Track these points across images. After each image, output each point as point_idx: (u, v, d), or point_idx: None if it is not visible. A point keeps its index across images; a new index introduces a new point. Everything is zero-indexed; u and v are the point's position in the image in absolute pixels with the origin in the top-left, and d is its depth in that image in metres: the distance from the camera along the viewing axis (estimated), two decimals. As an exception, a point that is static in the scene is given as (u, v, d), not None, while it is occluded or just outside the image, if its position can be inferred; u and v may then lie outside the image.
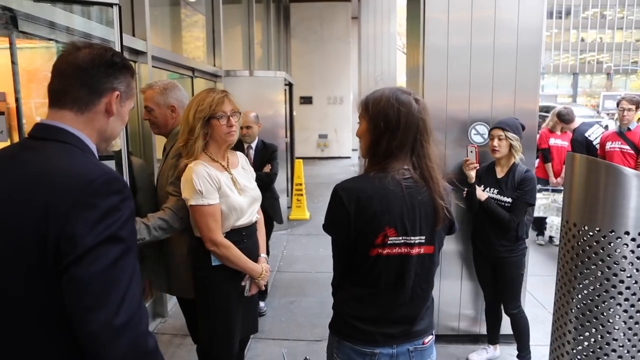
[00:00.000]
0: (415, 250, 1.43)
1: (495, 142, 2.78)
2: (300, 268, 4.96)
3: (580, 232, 1.55)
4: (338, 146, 14.73)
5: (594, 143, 5.10)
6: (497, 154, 2.80)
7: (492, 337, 3.19)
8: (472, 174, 2.84)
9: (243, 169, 2.14)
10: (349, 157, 14.43)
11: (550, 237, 5.91)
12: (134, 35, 3.27)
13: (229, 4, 6.99)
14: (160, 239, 2.15)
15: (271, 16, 10.05)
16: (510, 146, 2.78)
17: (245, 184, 2.06)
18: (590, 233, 1.52)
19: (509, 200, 2.77)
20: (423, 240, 1.44)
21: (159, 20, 4.88)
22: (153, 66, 3.48)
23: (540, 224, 5.80)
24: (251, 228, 2.08)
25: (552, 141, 5.57)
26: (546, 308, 3.98)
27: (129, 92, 1.19)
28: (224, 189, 1.95)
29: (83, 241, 0.94)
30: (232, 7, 7.53)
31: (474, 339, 3.37)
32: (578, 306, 1.58)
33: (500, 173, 2.85)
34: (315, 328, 3.59)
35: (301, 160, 7.27)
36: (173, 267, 2.27)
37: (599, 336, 1.53)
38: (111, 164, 2.49)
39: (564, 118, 5.44)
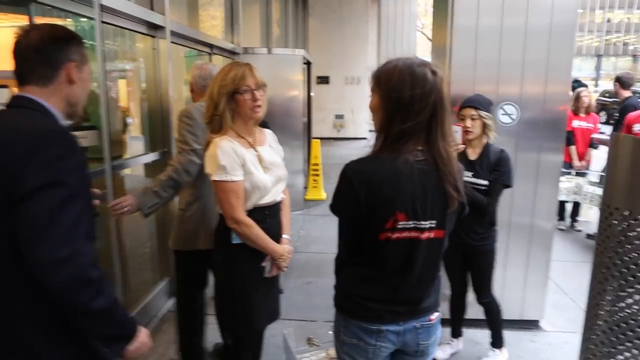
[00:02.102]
0: (425, 235, 1.37)
1: (468, 123, 2.54)
2: (317, 249, 4.94)
3: (623, 217, 1.47)
4: (354, 127, 14.56)
5: None
6: (470, 135, 2.56)
7: (457, 329, 3.04)
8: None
9: (270, 146, 2.08)
10: (365, 138, 14.26)
11: (572, 222, 5.78)
12: (152, 9, 3.20)
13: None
14: (175, 196, 2.34)
15: (289, -6, 9.86)
16: (484, 125, 2.55)
17: (271, 162, 2.00)
18: (634, 218, 1.43)
19: (485, 183, 2.56)
20: (434, 225, 1.38)
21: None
22: (172, 42, 3.42)
23: (562, 209, 5.67)
24: (275, 207, 2.03)
25: (576, 123, 5.39)
26: (567, 294, 3.90)
27: (84, 59, 1.33)
28: (248, 165, 1.90)
29: (30, 182, 1.11)
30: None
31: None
32: (615, 295, 1.51)
33: (472, 155, 2.61)
34: (332, 309, 3.55)
35: (319, 141, 7.19)
36: (171, 221, 2.34)
37: (637, 327, 1.46)
38: (93, 134, 2.59)
39: (626, 81, 5.26)
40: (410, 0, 9.81)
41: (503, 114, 2.98)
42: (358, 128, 14.56)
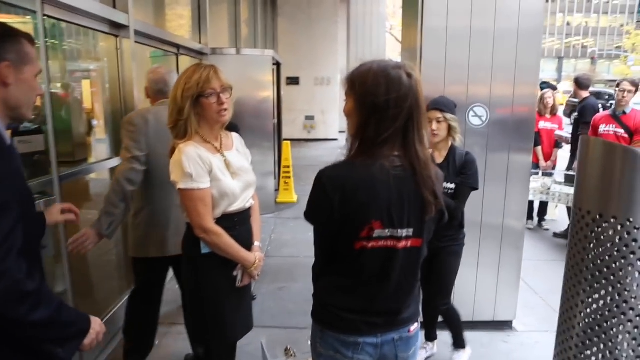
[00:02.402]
0: (402, 244, 1.34)
1: (434, 126, 2.49)
2: (288, 253, 4.87)
3: (595, 221, 1.47)
4: (325, 128, 14.57)
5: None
6: (436, 138, 2.51)
7: (431, 332, 3.02)
8: None
9: (238, 151, 2.00)
10: (336, 139, 14.30)
11: (539, 222, 5.92)
12: (114, 7, 3.07)
13: (214, -21, 6.72)
14: (129, 206, 2.36)
15: (258, -7, 9.74)
16: (449, 128, 2.52)
17: (239, 168, 1.93)
18: (606, 222, 1.44)
19: (452, 186, 2.51)
20: (411, 233, 1.34)
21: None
22: (136, 42, 3.29)
23: (529, 208, 5.80)
24: (244, 214, 1.96)
25: (542, 124, 5.53)
26: (537, 293, 3.97)
27: (25, 58, 1.21)
28: (216, 172, 1.83)
29: None
30: (217, -17, 7.26)
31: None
32: (589, 298, 1.51)
33: (438, 158, 2.55)
34: (306, 315, 3.42)
35: (289, 142, 7.12)
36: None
37: (612, 330, 1.47)
38: (39, 138, 2.44)
39: (583, 82, 5.39)
40: (379, 1, 9.84)
41: (473, 116, 3.00)
42: (329, 129, 14.57)
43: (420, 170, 1.31)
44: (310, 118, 14.58)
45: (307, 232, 5.81)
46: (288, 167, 6.95)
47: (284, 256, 4.77)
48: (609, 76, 54.04)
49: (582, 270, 1.53)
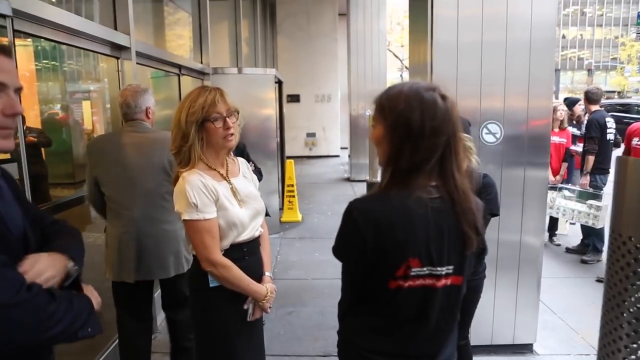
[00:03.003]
0: (441, 282, 1.22)
1: None
2: (296, 274, 4.73)
3: (638, 248, 1.36)
4: (326, 145, 14.51)
5: (608, 131, 4.99)
6: None
7: None
8: None
9: (245, 177, 1.90)
10: (337, 156, 14.23)
11: (550, 237, 5.78)
12: (116, 29, 3.00)
13: (215, 0, 6.71)
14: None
15: (257, 12, 9.76)
16: (464, 149, 2.37)
17: (246, 195, 1.82)
18: (651, 248, 1.33)
19: None
20: (451, 271, 1.22)
21: (143, 17, 4.60)
22: (137, 63, 3.22)
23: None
24: (253, 243, 1.84)
25: (551, 138, 5.41)
26: (555, 313, 3.82)
27: None
28: (222, 200, 1.72)
29: None
30: (217, 4, 7.26)
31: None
32: (630, 322, 1.39)
33: None
34: (317, 342, 3.36)
35: (292, 161, 7.03)
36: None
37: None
38: (13, 167, 2.24)
39: (592, 97, 5.30)
40: (379, 18, 9.84)
41: (487, 133, 2.90)
42: (330, 146, 14.51)
43: (459, 202, 1.20)
44: (311, 135, 14.53)
45: (313, 252, 5.70)
46: (292, 185, 6.84)
47: (291, 278, 4.63)
48: (606, 87, 54.48)
49: (625, 301, 1.41)
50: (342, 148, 14.28)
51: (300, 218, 6.88)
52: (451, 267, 1.22)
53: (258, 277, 1.84)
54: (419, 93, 1.18)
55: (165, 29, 5.31)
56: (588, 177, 4.97)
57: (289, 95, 13.74)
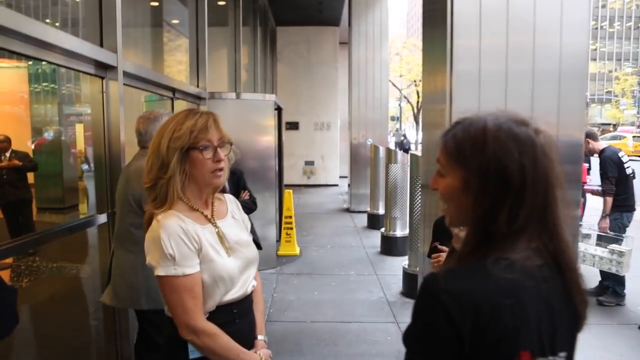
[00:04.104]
0: None
1: None
2: (293, 316, 4.34)
3: None
4: (325, 173, 14.24)
5: (625, 166, 4.69)
6: None
7: None
8: (463, 234, 2.01)
9: (233, 218, 1.57)
10: (336, 185, 13.95)
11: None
12: (101, 46, 2.71)
13: (214, 26, 6.54)
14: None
15: (258, 39, 9.64)
16: None
17: (236, 241, 1.49)
18: None
19: None
20: (564, 359, 0.90)
21: (139, 41, 4.38)
22: (125, 84, 2.93)
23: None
24: (245, 302, 1.50)
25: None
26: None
27: None
28: (207, 250, 1.39)
29: None
30: (216, 30, 7.09)
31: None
32: None
33: None
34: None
35: (291, 191, 6.71)
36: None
37: None
38: None
39: (594, 135, 5.05)
40: (381, 47, 9.72)
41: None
42: (329, 174, 14.25)
43: (568, 268, 0.90)
44: (310, 163, 14.28)
45: (312, 291, 5.31)
46: (290, 217, 6.49)
47: (288, 321, 4.23)
48: (602, 119, 55.04)
49: None
50: (340, 177, 14.02)
51: (298, 251, 6.51)
52: (564, 353, 0.90)
53: (250, 342, 1.50)
54: (511, 129, 0.88)
55: (162, 53, 5.09)
56: (608, 220, 4.64)
57: (287, 123, 13.56)
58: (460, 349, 0.83)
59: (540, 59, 2.58)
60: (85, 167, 3.44)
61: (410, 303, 4.61)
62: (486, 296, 0.84)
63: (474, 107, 2.57)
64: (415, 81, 34.27)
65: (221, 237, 1.45)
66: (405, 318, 4.26)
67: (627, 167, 4.72)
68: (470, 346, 0.83)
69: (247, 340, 1.48)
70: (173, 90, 4.14)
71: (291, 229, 6.53)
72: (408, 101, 37.73)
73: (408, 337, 0.91)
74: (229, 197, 1.62)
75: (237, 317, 1.46)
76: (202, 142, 1.39)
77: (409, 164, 5.72)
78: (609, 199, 4.64)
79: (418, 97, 35.29)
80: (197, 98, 4.90)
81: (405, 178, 6.54)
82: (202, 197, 1.47)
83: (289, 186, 7.60)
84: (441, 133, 0.96)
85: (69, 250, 3.04)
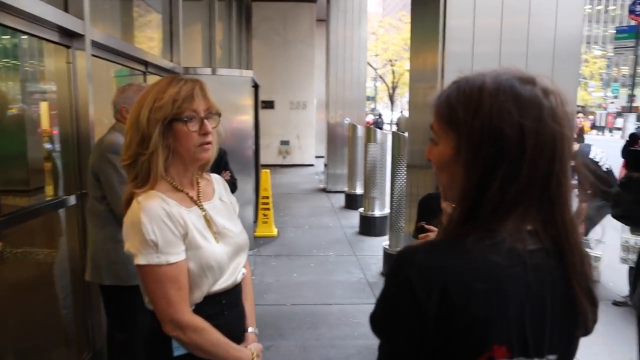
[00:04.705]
0: None
1: None
2: (272, 299, 4.25)
3: None
4: (301, 153, 14.09)
5: (603, 166, 4.44)
6: None
7: None
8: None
9: (221, 200, 1.43)
10: (312, 165, 13.84)
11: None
12: (66, 11, 2.49)
13: (188, 0, 6.23)
14: None
15: (233, 15, 9.29)
16: None
17: (225, 225, 1.36)
18: None
19: None
20: None
21: (108, 12, 4.09)
22: (93, 55, 2.71)
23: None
24: (235, 292, 1.39)
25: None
26: None
27: None
28: (193, 235, 1.26)
29: None
30: (191, 5, 6.77)
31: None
32: None
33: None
34: (301, 386, 2.90)
35: (268, 171, 6.56)
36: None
37: None
38: None
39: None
40: (360, 25, 9.53)
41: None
42: (304, 154, 14.10)
43: (571, 255, 0.77)
44: (285, 143, 14.08)
45: (291, 272, 5.23)
46: (267, 197, 6.36)
47: (267, 304, 4.14)
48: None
49: None
50: (316, 157, 13.90)
51: (276, 233, 6.40)
52: (554, 357, 0.78)
53: (239, 335, 1.39)
54: (513, 87, 0.75)
55: (133, 26, 4.80)
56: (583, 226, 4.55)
57: (263, 102, 13.23)
58: (423, 330, 0.73)
59: (535, 40, 2.50)
60: (49, 146, 3.23)
61: (390, 284, 4.60)
62: (458, 276, 0.73)
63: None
64: (391, 60, 34.15)
65: (208, 221, 1.32)
66: (386, 299, 4.24)
67: (602, 166, 4.49)
68: (435, 331, 0.73)
69: (237, 333, 1.37)
70: (146, 63, 3.91)
71: (268, 209, 6.41)
72: (383, 81, 37.64)
73: (373, 314, 0.81)
74: (216, 177, 1.49)
75: (225, 309, 1.34)
76: (186, 113, 1.24)
77: (388, 143, 5.64)
78: (584, 205, 4.51)
79: (394, 76, 35.23)
80: (171, 73, 4.67)
81: (385, 157, 6.48)
82: (187, 175, 1.33)
83: (264, 166, 7.43)
84: (434, 95, 0.83)
85: (36, 234, 2.85)
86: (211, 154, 1.31)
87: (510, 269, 0.73)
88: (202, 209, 1.33)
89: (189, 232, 1.25)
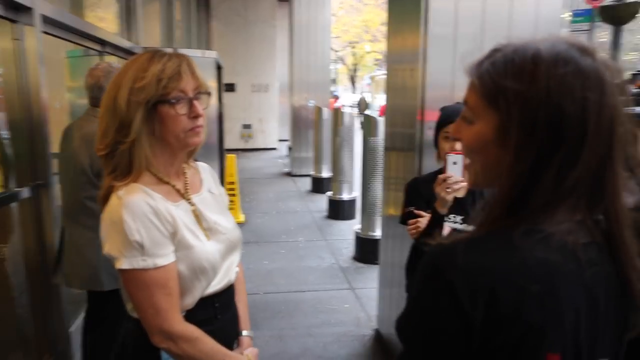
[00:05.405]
0: None
1: (459, 144, 1.74)
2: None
3: None
4: (263, 137, 13.85)
5: None
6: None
7: None
8: (451, 198, 1.72)
9: (210, 192, 1.30)
10: (275, 149, 13.65)
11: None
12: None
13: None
14: None
15: (191, -8, 8.90)
16: None
17: (216, 220, 1.23)
18: None
19: None
20: None
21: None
22: (44, 31, 2.45)
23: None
24: (228, 294, 1.27)
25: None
26: None
27: None
28: (183, 233, 1.12)
29: None
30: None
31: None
32: None
33: (460, 190, 1.78)
34: (280, 379, 2.82)
35: (234, 156, 6.38)
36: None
37: None
38: None
39: None
40: (324, 6, 9.32)
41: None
42: (267, 138, 13.86)
43: (624, 248, 0.69)
44: (247, 127, 13.79)
45: (261, 260, 5.09)
46: (233, 183, 6.19)
47: (239, 294, 4.02)
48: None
49: None
50: (279, 140, 13.71)
51: (243, 219, 6.25)
52: None
53: (233, 340, 1.28)
54: (573, 58, 0.65)
55: (88, 1, 4.45)
56: None
57: (224, 84, 12.88)
58: (467, 345, 0.64)
59: (516, 23, 2.45)
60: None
61: (363, 268, 4.57)
62: (508, 278, 0.64)
63: (447, 66, 2.44)
64: (351, 42, 34.01)
65: (198, 217, 1.19)
66: (360, 284, 4.21)
67: None
68: (481, 343, 0.64)
69: (230, 337, 1.27)
70: (102, 42, 3.63)
71: (234, 195, 6.24)
72: (344, 63, 37.50)
73: (404, 326, 0.72)
74: (203, 166, 1.35)
75: (219, 312, 1.22)
76: (173, 94, 1.08)
77: (357, 125, 5.57)
78: None
79: (354, 59, 35.14)
80: (130, 53, 4.37)
81: (353, 140, 6.41)
82: (174, 165, 1.18)
83: (227, 151, 7.22)
84: (471, 64, 0.72)
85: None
86: (200, 138, 1.17)
87: (564, 267, 0.65)
88: (191, 202, 1.19)
89: (178, 230, 1.11)
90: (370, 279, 4.21)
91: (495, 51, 0.71)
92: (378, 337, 3.26)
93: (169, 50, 1.14)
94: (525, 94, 0.65)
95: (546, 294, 0.64)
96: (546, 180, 0.65)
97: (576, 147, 0.65)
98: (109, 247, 1.07)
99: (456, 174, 1.70)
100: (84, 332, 2.46)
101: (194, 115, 1.12)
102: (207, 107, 1.17)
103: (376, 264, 4.25)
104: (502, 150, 0.68)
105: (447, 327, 0.66)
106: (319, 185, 7.95)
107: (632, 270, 0.69)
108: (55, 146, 2.50)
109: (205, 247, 1.16)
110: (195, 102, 1.12)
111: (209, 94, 1.17)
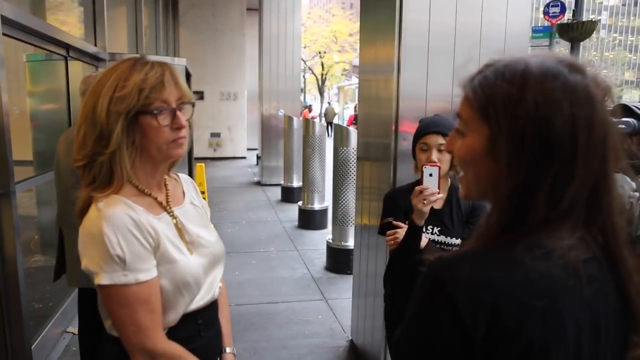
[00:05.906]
0: None
1: (435, 156, 1.80)
2: (215, 301, 4.04)
3: None
4: (232, 146, 13.73)
5: None
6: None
7: None
8: (427, 209, 1.71)
9: (192, 204, 1.26)
10: (244, 158, 13.53)
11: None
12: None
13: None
14: None
15: (159, 0, 8.75)
16: (453, 159, 1.82)
17: (198, 234, 1.19)
18: None
19: (458, 242, 1.86)
20: None
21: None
22: (4, 34, 2.35)
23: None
24: (211, 309, 1.22)
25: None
26: None
27: None
28: (166, 247, 1.08)
29: None
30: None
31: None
32: None
33: (437, 202, 1.79)
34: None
35: (203, 165, 6.26)
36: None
37: None
38: None
39: None
40: (294, 16, 9.36)
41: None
42: (236, 147, 13.75)
43: (623, 264, 0.70)
44: (216, 135, 13.63)
45: (232, 271, 4.99)
46: (203, 192, 6.07)
47: (210, 306, 3.93)
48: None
49: None
50: (248, 149, 13.61)
51: (212, 227, 6.13)
52: None
53: (216, 357, 1.24)
54: (560, 74, 0.66)
55: (52, 4, 4.30)
56: None
57: (192, 92, 12.70)
58: (468, 357, 0.64)
59: (487, 36, 2.53)
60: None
61: (336, 278, 4.55)
62: (510, 293, 0.63)
63: (422, 77, 2.48)
64: (320, 53, 34.27)
65: (180, 230, 1.14)
66: (333, 294, 4.19)
67: None
68: (483, 358, 0.63)
69: (214, 355, 1.22)
70: (67, 47, 3.50)
71: (204, 205, 6.13)
72: (312, 73, 37.71)
73: (402, 342, 0.71)
74: (185, 178, 1.31)
75: (202, 329, 1.17)
76: (156, 104, 1.04)
77: (327, 135, 5.58)
78: None
79: (323, 68, 35.40)
80: (96, 59, 4.25)
81: (324, 149, 6.42)
82: (156, 176, 1.14)
83: (196, 159, 7.10)
84: (464, 78, 0.73)
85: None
86: (183, 150, 1.13)
87: (566, 283, 0.65)
88: (173, 215, 1.15)
89: (160, 244, 1.06)
90: (343, 289, 4.20)
91: (487, 66, 0.71)
92: (352, 348, 3.25)
93: (152, 57, 1.10)
94: (514, 107, 0.66)
95: (549, 309, 0.64)
96: (540, 195, 0.66)
97: (569, 163, 0.65)
98: (87, 261, 1.01)
99: (432, 185, 1.70)
100: (82, 333, 2.48)
101: (176, 127, 1.08)
102: (191, 117, 1.13)
103: (348, 273, 4.26)
104: (493, 162, 0.68)
105: (447, 342, 0.64)
106: (289, 195, 7.91)
107: (632, 286, 0.70)
108: (16, 154, 2.40)
109: (189, 262, 1.12)
110: (179, 113, 1.08)
111: (193, 104, 1.14)
